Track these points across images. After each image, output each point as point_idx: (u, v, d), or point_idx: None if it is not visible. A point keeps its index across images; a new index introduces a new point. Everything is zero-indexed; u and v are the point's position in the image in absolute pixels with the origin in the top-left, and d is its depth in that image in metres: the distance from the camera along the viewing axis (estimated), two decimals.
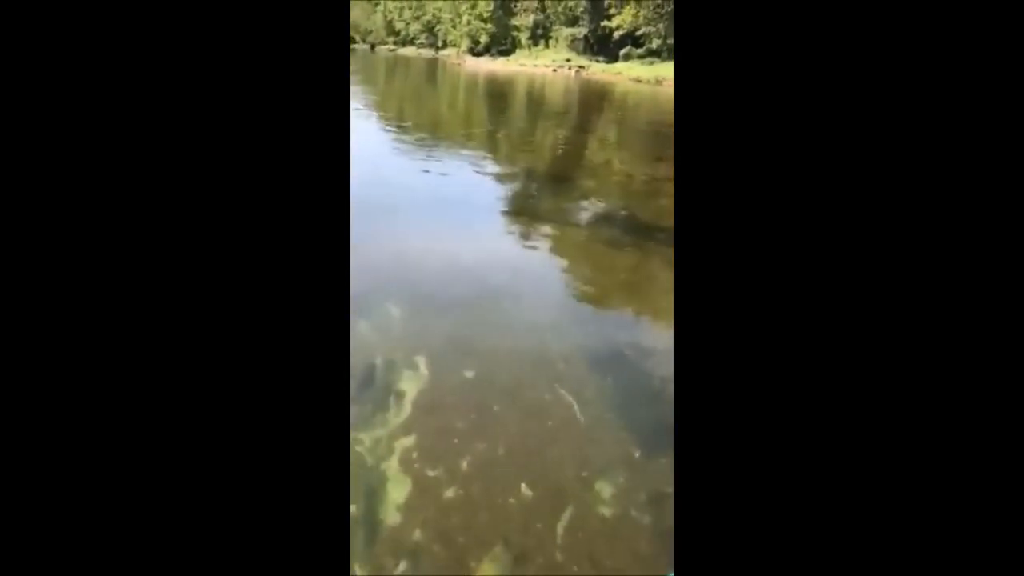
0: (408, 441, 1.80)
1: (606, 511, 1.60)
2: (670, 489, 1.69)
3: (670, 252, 3.82)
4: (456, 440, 1.83)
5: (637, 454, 1.83)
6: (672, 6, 25.34)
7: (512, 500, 1.61)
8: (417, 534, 1.48)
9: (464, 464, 1.73)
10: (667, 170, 6.65)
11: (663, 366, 2.41)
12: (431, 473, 1.68)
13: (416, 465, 1.71)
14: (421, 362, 2.22)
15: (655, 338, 2.72)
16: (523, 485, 1.66)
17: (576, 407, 2.03)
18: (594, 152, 8.13)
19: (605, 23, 29.22)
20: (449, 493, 1.62)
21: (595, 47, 30.46)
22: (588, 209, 4.88)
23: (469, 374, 2.19)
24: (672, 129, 9.93)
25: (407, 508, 1.56)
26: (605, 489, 1.68)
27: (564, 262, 3.63)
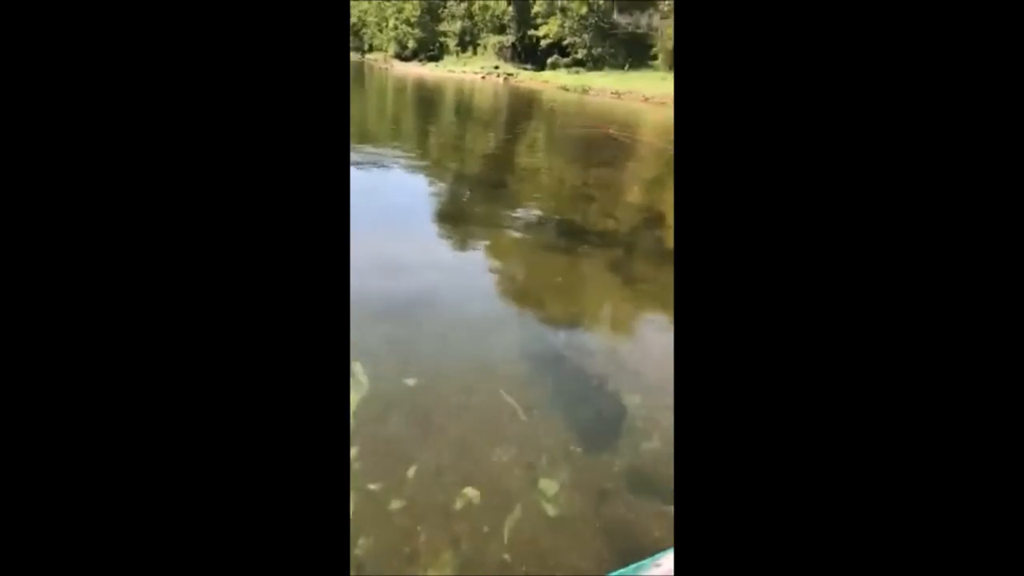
0: (351, 452, 1.76)
1: (552, 509, 1.63)
2: (612, 484, 1.74)
3: (603, 255, 3.94)
4: (400, 449, 1.81)
5: (579, 451, 1.87)
6: (595, 19, 26.18)
7: (458, 505, 1.61)
8: (362, 542, 1.45)
9: (409, 472, 1.71)
10: (597, 176, 6.85)
11: (601, 365, 2.48)
12: (373, 486, 1.65)
13: (359, 477, 1.67)
14: (359, 370, 2.17)
15: (592, 338, 2.80)
16: (468, 489, 1.66)
17: (519, 409, 2.05)
18: (525, 158, 8.24)
19: (532, 32, 29.74)
20: (394, 502, 1.59)
21: (523, 55, 30.92)
22: (521, 214, 4.94)
23: (410, 382, 2.16)
24: (601, 135, 10.19)
25: (353, 519, 1.52)
26: (550, 487, 1.71)
27: (499, 267, 3.66)
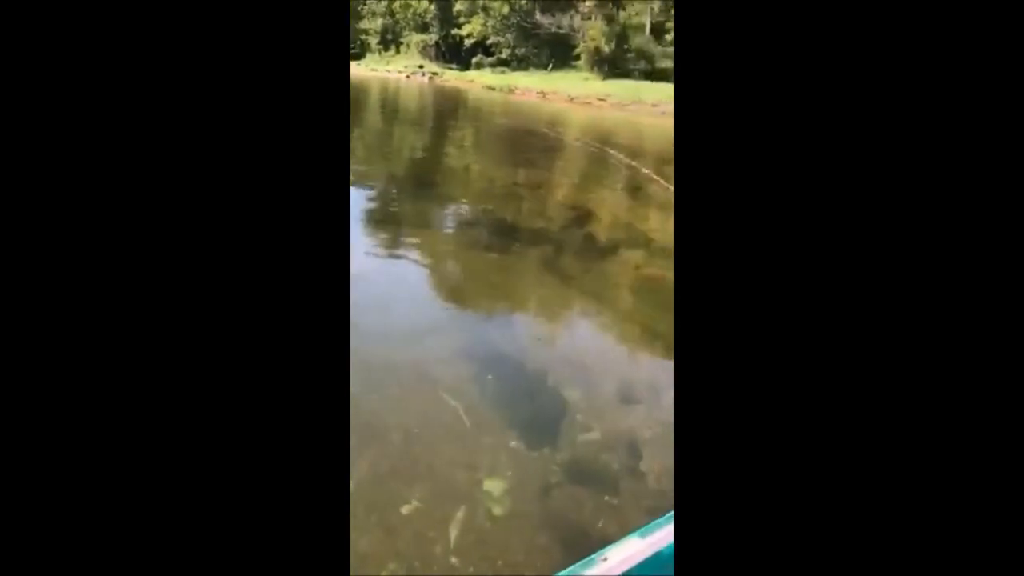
0: None
1: (497, 508, 1.63)
2: (556, 479, 1.76)
3: (535, 252, 3.98)
4: None
5: (522, 448, 1.88)
6: (517, 19, 26.42)
7: (403, 512, 1.57)
8: None
9: (352, 482, 1.65)
10: (526, 175, 6.91)
11: (539, 361, 2.50)
12: None
13: None
14: None
15: (530, 334, 2.82)
16: (413, 494, 1.63)
17: (460, 410, 2.03)
18: (454, 158, 8.19)
19: (456, 31, 29.61)
20: None
21: (447, 54, 30.70)
22: (452, 214, 4.91)
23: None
24: (528, 136, 10.30)
25: None
26: (495, 487, 1.70)
27: (433, 267, 3.62)
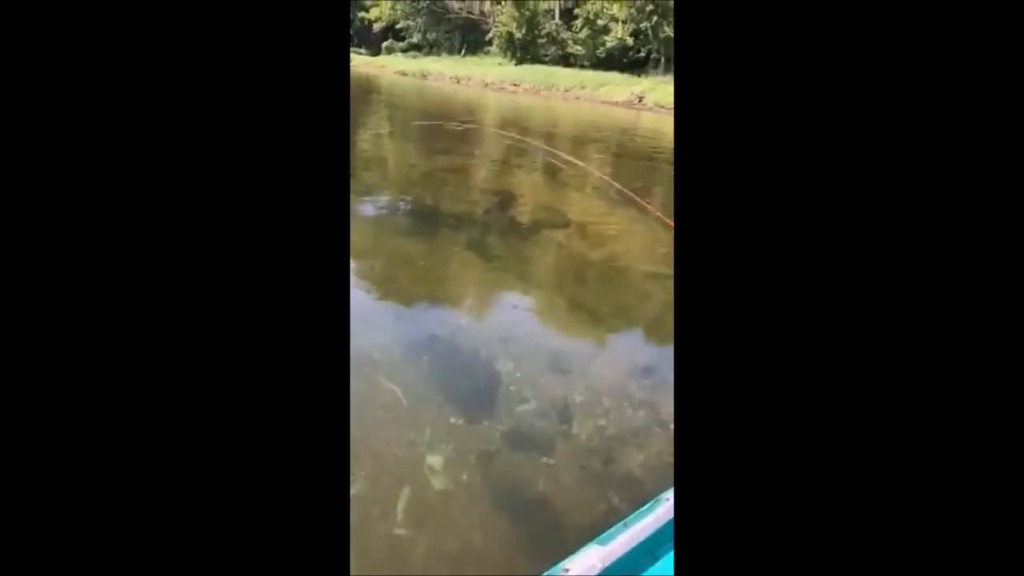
0: None
1: (440, 481, 1.68)
2: (495, 447, 1.84)
3: (460, 236, 4.02)
4: None
5: (461, 422, 1.94)
6: (427, 2, 25.93)
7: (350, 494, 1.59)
8: None
9: None
10: (446, 161, 6.88)
11: (471, 338, 2.56)
12: None
13: None
14: None
15: (461, 316, 2.87)
16: (356, 477, 1.65)
17: (398, 392, 2.06)
18: (370, 146, 8.01)
19: (363, 14, 28.64)
20: None
21: (356, 39, 29.68)
22: (373, 202, 4.83)
23: None
24: (447, 122, 10.18)
25: None
26: (436, 461, 1.75)
27: (359, 256, 3.57)
